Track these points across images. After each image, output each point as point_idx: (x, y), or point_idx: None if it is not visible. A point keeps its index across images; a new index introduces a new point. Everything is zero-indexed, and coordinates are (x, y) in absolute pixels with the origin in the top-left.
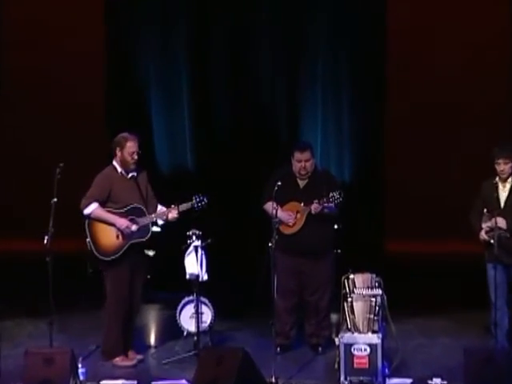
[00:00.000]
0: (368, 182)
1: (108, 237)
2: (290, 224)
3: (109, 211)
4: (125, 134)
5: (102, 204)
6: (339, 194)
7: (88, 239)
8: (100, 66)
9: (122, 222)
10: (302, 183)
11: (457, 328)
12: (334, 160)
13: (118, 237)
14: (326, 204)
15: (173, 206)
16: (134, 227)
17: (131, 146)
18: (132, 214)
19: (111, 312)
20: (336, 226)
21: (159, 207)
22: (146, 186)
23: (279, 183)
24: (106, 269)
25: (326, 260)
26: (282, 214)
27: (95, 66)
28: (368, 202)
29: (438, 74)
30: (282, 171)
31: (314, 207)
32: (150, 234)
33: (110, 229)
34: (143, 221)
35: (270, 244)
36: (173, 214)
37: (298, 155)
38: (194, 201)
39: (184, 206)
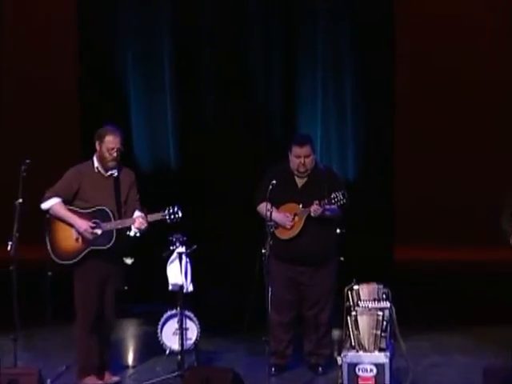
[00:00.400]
0: (375, 181)
1: (67, 238)
2: (287, 227)
3: (71, 210)
4: (107, 127)
5: (68, 201)
6: (343, 195)
7: (46, 238)
8: (72, 51)
9: (81, 224)
10: (300, 182)
11: (475, 345)
12: (336, 156)
13: (77, 240)
14: (327, 206)
15: (142, 214)
16: (97, 231)
17: (110, 141)
18: (97, 216)
19: (78, 322)
20: (338, 231)
21: (135, 214)
22: (128, 188)
23: (274, 182)
24: (70, 272)
25: (327, 269)
26: (277, 216)
27: (67, 51)
28: (375, 203)
29: (456, 58)
30: (278, 168)
31: (314, 209)
32: (112, 242)
33: (70, 230)
34: (107, 226)
35: (263, 250)
36: (140, 223)
37: (296, 150)
38: (165, 212)
39: (154, 217)
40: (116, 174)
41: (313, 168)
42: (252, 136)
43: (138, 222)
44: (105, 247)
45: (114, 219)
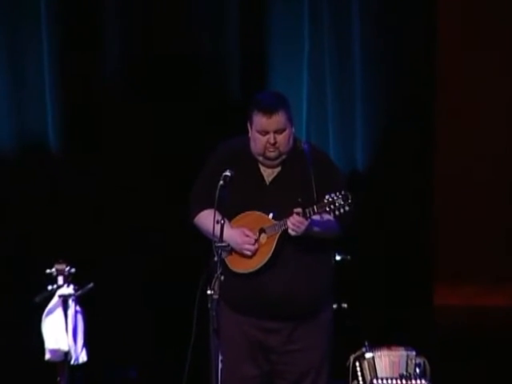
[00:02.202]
0: (401, 176)
1: None
2: (247, 254)
3: None
4: None
5: None
6: (343, 198)
7: None
8: None
9: None
10: (269, 175)
11: None
12: (334, 131)
13: None
14: (316, 216)
15: None
16: None
17: None
18: None
19: None
20: (338, 257)
21: None
22: None
23: (228, 173)
24: None
25: (316, 324)
26: (232, 233)
27: None
28: (401, 211)
29: None
30: (231, 151)
31: (295, 222)
32: None
33: None
34: None
35: (208, 291)
36: None
37: (261, 121)
38: None
39: None
40: None
41: (290, 151)
42: (188, 97)
43: None
44: None
45: None
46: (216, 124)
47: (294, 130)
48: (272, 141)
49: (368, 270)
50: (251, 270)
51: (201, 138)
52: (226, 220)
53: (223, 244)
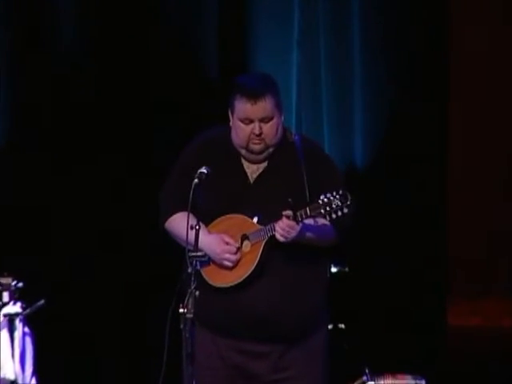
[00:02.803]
0: (409, 174)
1: None
2: (227, 265)
3: None
4: None
5: None
6: (341, 199)
7: None
8: None
9: None
10: (253, 171)
11: None
12: (330, 120)
13: None
14: (309, 220)
15: None
16: None
17: None
18: None
19: None
20: (334, 269)
21: None
22: None
23: (204, 170)
24: None
25: (308, 348)
26: (209, 241)
27: None
28: (407, 214)
29: None
30: (209, 143)
31: (284, 227)
32: None
33: None
34: None
35: (181, 310)
36: None
37: (245, 107)
38: None
39: None
40: None
41: (278, 143)
42: (160, 84)
43: None
44: None
45: None
46: (192, 114)
47: (283, 118)
48: (257, 131)
49: (369, 283)
50: (232, 284)
51: (173, 131)
52: (202, 225)
53: (199, 253)
